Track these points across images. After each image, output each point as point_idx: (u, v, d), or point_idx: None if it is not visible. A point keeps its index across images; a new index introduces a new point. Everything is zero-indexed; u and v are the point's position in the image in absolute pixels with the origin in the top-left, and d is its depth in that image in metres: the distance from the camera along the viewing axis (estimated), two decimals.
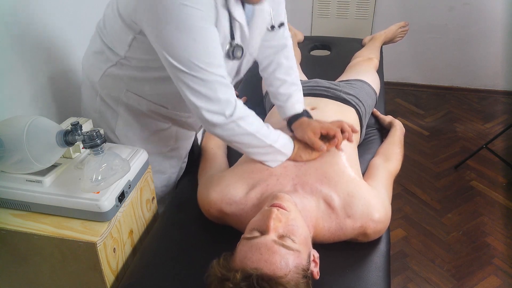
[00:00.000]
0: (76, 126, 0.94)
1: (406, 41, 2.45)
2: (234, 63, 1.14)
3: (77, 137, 0.95)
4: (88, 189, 0.95)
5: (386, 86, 2.53)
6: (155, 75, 1.12)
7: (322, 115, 1.32)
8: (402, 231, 2.02)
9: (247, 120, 1.05)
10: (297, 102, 1.27)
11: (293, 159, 1.14)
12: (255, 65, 1.30)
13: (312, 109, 1.37)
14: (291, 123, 1.24)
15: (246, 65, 1.21)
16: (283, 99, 1.27)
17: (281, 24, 1.26)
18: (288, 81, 1.27)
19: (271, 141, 1.10)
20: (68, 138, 0.95)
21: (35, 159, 0.94)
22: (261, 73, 1.34)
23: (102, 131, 0.98)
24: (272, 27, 1.22)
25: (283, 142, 1.13)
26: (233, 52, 1.08)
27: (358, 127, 1.42)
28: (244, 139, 1.07)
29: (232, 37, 1.05)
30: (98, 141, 0.93)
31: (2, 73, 1.17)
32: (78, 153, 1.09)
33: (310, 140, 1.14)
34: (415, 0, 2.91)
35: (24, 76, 1.24)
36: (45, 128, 0.96)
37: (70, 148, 1.07)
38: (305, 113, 1.26)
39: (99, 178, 0.93)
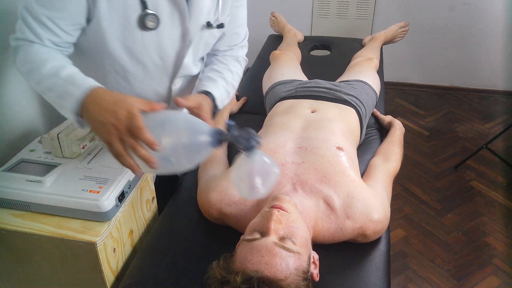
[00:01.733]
0: (232, 126, 0.83)
1: (406, 41, 2.45)
2: (150, 36, 1.00)
3: (230, 137, 0.83)
4: (250, 195, 0.88)
5: (386, 86, 2.53)
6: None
7: (322, 118, 1.32)
8: (402, 231, 2.01)
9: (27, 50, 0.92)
10: (212, 85, 1.12)
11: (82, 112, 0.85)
12: (254, 65, 1.29)
13: (313, 111, 1.37)
14: None
15: (195, 47, 1.08)
16: (204, 77, 1.17)
17: (220, 25, 1.10)
18: (218, 70, 1.18)
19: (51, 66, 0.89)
20: (222, 137, 0.83)
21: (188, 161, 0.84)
22: None
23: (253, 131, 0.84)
24: (209, 23, 1.06)
25: (72, 76, 0.88)
26: (143, 21, 0.94)
27: (358, 128, 1.42)
28: (24, 68, 0.93)
29: (144, 4, 0.93)
30: (254, 143, 0.81)
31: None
32: (78, 153, 1.09)
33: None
34: (415, 0, 2.91)
35: None
36: (198, 126, 0.86)
37: (71, 147, 1.07)
38: (210, 96, 1.08)
39: (260, 183, 0.85)
